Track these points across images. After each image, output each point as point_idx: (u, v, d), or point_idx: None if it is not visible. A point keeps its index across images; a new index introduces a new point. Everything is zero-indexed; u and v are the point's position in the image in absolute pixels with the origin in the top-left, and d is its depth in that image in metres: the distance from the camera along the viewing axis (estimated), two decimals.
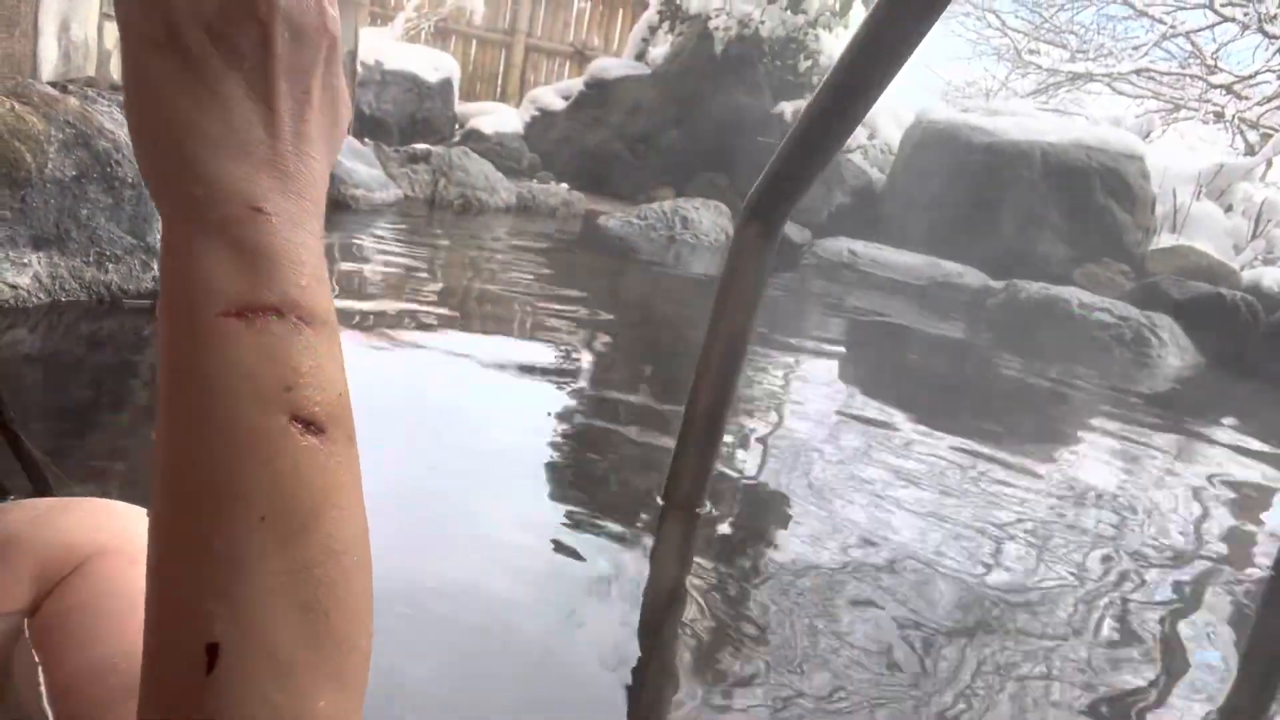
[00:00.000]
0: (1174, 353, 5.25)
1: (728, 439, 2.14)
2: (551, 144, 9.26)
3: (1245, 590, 2.04)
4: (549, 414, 2.42)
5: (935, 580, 1.75)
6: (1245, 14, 11.54)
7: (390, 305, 3.26)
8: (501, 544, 1.66)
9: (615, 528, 1.77)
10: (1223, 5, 11.78)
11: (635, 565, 1.66)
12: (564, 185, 7.95)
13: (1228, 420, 4.09)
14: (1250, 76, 11.47)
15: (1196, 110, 12.37)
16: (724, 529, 1.84)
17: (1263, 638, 1.88)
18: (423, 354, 2.69)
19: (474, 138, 8.87)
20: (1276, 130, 9.53)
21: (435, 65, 9.14)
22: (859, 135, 8.44)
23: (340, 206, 5.12)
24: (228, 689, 0.35)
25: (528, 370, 2.74)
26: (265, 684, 0.35)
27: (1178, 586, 1.99)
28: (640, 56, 9.63)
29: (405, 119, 8.79)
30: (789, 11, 8.72)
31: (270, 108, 0.39)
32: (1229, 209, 7.56)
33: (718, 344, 1.79)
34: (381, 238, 4.64)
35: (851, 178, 8.01)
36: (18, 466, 0.98)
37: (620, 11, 10.97)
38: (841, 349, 4.30)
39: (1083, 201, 6.86)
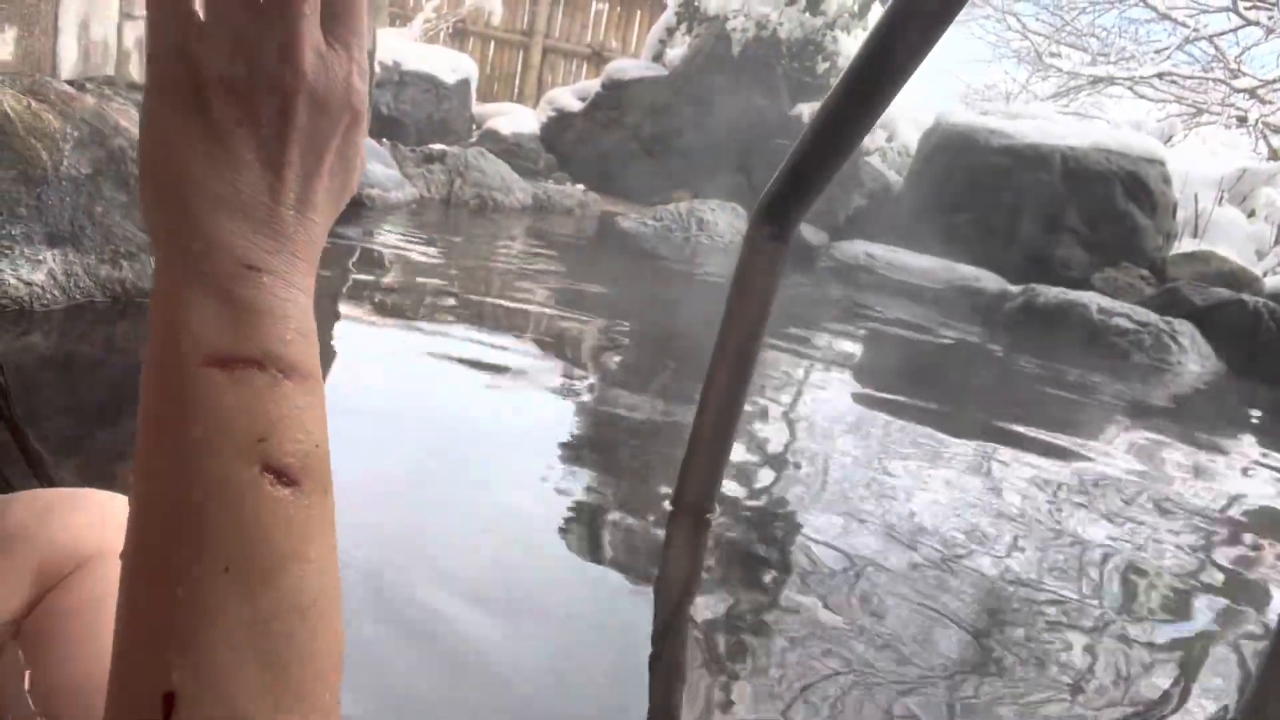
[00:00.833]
0: (1194, 359, 5.19)
1: (739, 442, 2.13)
2: (568, 145, 9.26)
3: (1264, 604, 2.01)
4: (558, 416, 2.42)
5: (952, 582, 1.73)
6: (1269, 17, 11.43)
7: (396, 301, 3.26)
8: (509, 546, 1.65)
9: (623, 532, 1.75)
10: (1247, 9, 11.66)
11: (644, 570, 1.65)
12: (580, 186, 7.95)
13: (1248, 428, 4.04)
14: (1274, 80, 11.35)
15: (1219, 114, 12.26)
16: (734, 534, 1.83)
17: None
18: (428, 352, 2.69)
19: (491, 138, 8.89)
20: None
21: (453, 66, 9.16)
22: (877, 138, 8.41)
23: (355, 205, 5.13)
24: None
25: (535, 370, 2.74)
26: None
27: (1192, 594, 1.96)
28: (657, 58, 9.62)
29: (423, 119, 8.82)
30: (807, 13, 8.69)
31: (278, 176, 0.39)
32: (1251, 214, 7.47)
33: (729, 348, 1.77)
34: (396, 236, 4.65)
35: (869, 180, 7.98)
36: (19, 458, 0.98)
37: (638, 13, 10.96)
38: (856, 353, 4.27)
39: (1103, 206, 6.80)
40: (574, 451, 2.17)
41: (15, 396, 0.98)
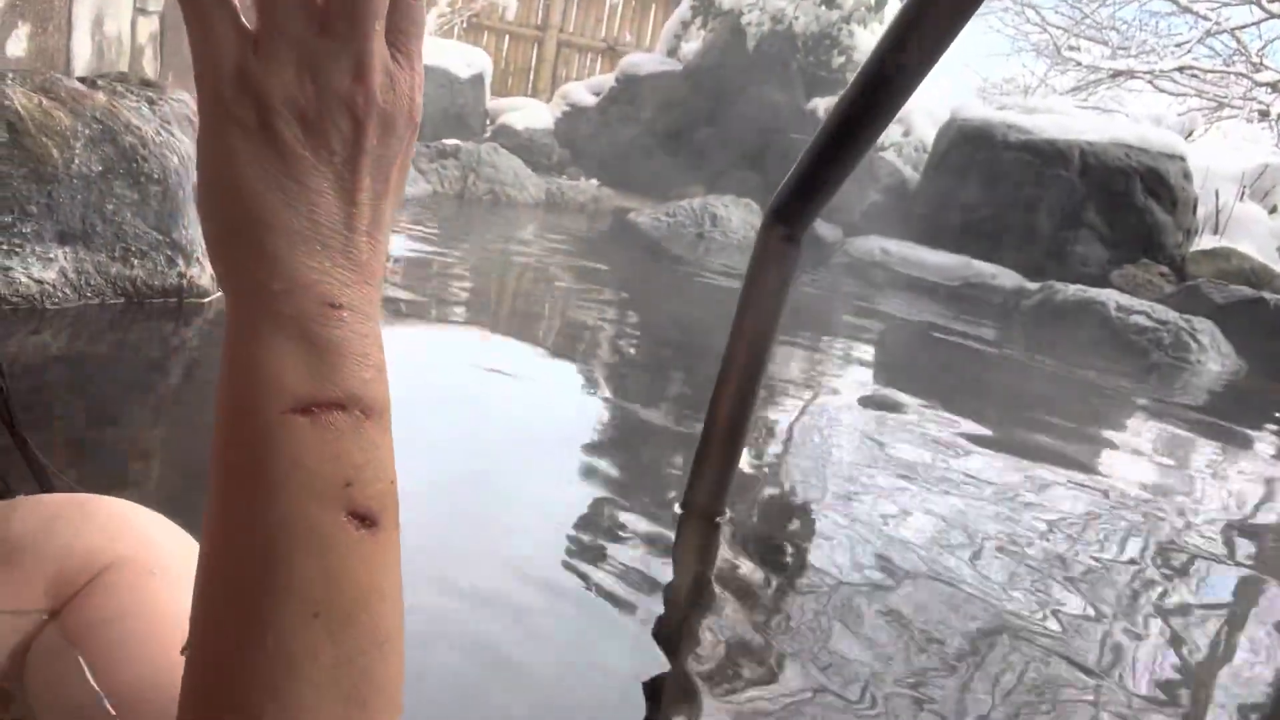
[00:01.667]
0: (1214, 358, 5.12)
1: (750, 444, 2.10)
2: (582, 140, 9.24)
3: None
4: (568, 416, 2.40)
5: (961, 590, 1.71)
6: None
7: (406, 297, 3.25)
8: (519, 549, 1.63)
9: (633, 534, 1.74)
10: (1269, 1, 11.51)
11: (654, 574, 1.63)
12: (593, 181, 7.93)
13: (1271, 427, 3.98)
14: None
15: (1241, 109, 12.11)
16: (745, 536, 1.81)
17: None
18: (436, 348, 2.68)
19: (505, 133, 8.87)
20: None
21: (468, 61, 9.15)
22: (893, 132, 8.34)
23: None
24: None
25: (545, 370, 2.72)
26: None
27: (1214, 592, 1.92)
28: (672, 52, 9.58)
29: (437, 114, 8.81)
30: (823, 7, 8.63)
31: (353, 202, 0.38)
32: (1273, 210, 7.37)
33: (740, 349, 1.75)
34: (409, 230, 4.65)
35: (885, 176, 7.92)
36: (19, 462, 0.97)
37: (653, 7, 10.93)
38: (869, 351, 4.23)
39: (1122, 202, 6.72)
40: (576, 450, 2.16)
41: (26, 396, 0.97)
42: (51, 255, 2.28)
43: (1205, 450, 3.29)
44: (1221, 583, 2.07)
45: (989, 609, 1.67)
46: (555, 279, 4.45)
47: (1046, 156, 6.89)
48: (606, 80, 9.67)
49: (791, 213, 1.67)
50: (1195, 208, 7.08)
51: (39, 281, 2.25)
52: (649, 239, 6.47)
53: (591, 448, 2.21)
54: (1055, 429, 3.24)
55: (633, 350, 3.37)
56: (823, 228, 7.17)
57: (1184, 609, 1.87)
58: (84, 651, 0.63)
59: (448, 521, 1.67)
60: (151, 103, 2.66)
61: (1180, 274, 6.64)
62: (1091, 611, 1.75)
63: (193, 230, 2.55)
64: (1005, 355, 4.78)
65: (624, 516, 1.81)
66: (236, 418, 0.37)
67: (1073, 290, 5.61)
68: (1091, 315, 5.37)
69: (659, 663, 1.37)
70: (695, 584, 1.65)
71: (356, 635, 0.37)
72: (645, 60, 9.57)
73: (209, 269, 2.63)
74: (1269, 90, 11.44)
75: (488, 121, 9.40)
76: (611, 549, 1.67)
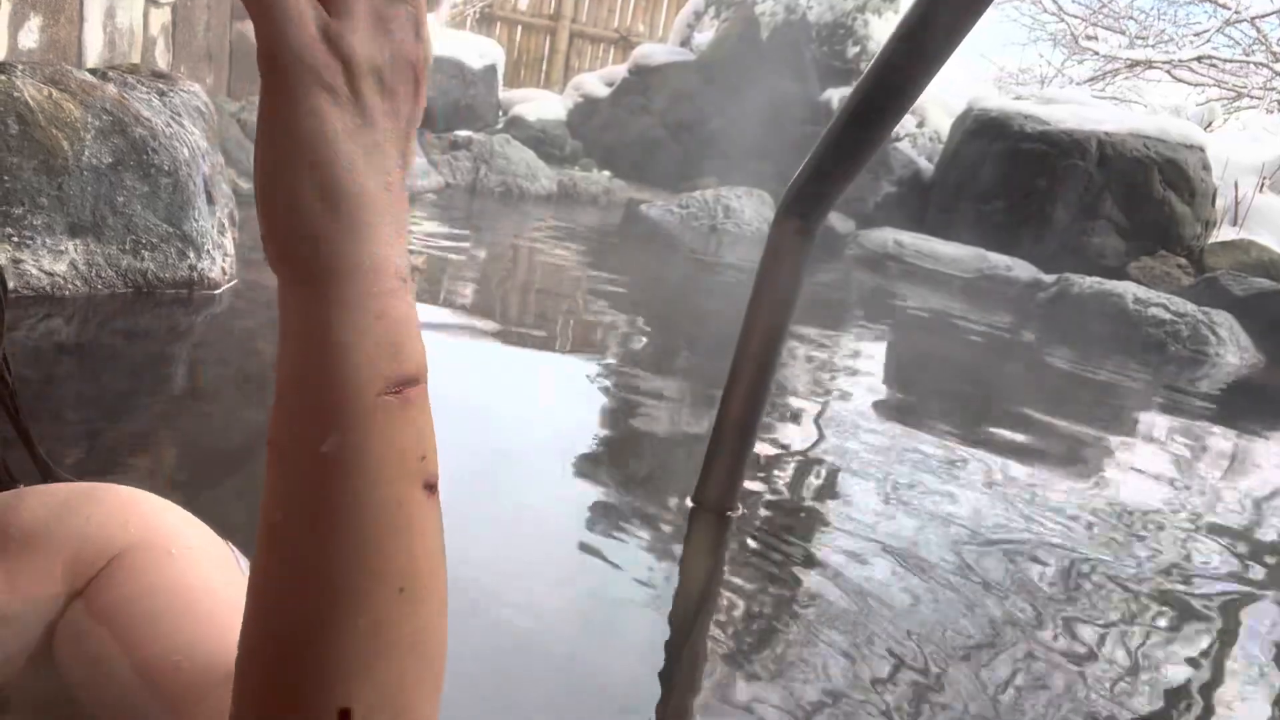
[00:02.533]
0: (1233, 351, 5.07)
1: (761, 439, 2.09)
2: (594, 131, 9.20)
3: None
4: (579, 411, 2.38)
5: (972, 588, 1.68)
6: None
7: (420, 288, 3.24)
8: (529, 543, 1.62)
9: (645, 530, 1.72)
10: None
11: (665, 568, 1.61)
12: (606, 173, 7.90)
13: None
14: None
15: (1261, 98, 11.97)
16: (757, 531, 1.79)
17: None
18: (446, 346, 2.67)
19: (517, 124, 8.85)
20: None
21: (480, 52, 9.13)
22: (908, 123, 8.27)
23: None
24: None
25: (555, 364, 2.71)
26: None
27: (1227, 591, 1.90)
28: (685, 43, 9.53)
29: (449, 105, 8.79)
30: None
31: (406, 166, 0.36)
32: None
33: (752, 343, 1.73)
34: (421, 223, 4.64)
35: (899, 167, 7.86)
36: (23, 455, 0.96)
37: None
38: (882, 345, 4.20)
39: (1140, 193, 6.65)
40: (586, 445, 2.14)
41: (37, 387, 0.97)
42: (62, 247, 2.28)
43: (1223, 444, 3.25)
44: (1235, 579, 2.04)
45: (1000, 606, 1.65)
46: (566, 270, 4.43)
47: (1063, 147, 6.82)
48: (619, 71, 9.63)
49: (805, 205, 1.64)
50: (1214, 199, 7.01)
51: (50, 273, 2.25)
52: (661, 230, 6.44)
53: (601, 441, 2.19)
54: (1072, 423, 3.20)
55: (644, 341, 3.35)
56: (836, 219, 7.12)
57: (1195, 608, 1.84)
58: (112, 628, 0.64)
59: (459, 508, 1.66)
60: (162, 94, 2.66)
61: (1199, 266, 6.57)
62: (1113, 617, 1.73)
63: (203, 222, 2.54)
64: (1021, 348, 4.74)
65: (635, 510, 1.80)
66: (328, 408, 0.35)
67: (1090, 283, 5.55)
68: (1109, 308, 5.31)
69: (672, 654, 1.35)
70: (706, 579, 1.63)
71: (432, 603, 0.38)
72: (658, 51, 9.53)
73: (219, 261, 2.62)
74: None
75: (500, 113, 9.37)
76: (622, 542, 1.66)
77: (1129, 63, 13.15)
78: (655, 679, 1.30)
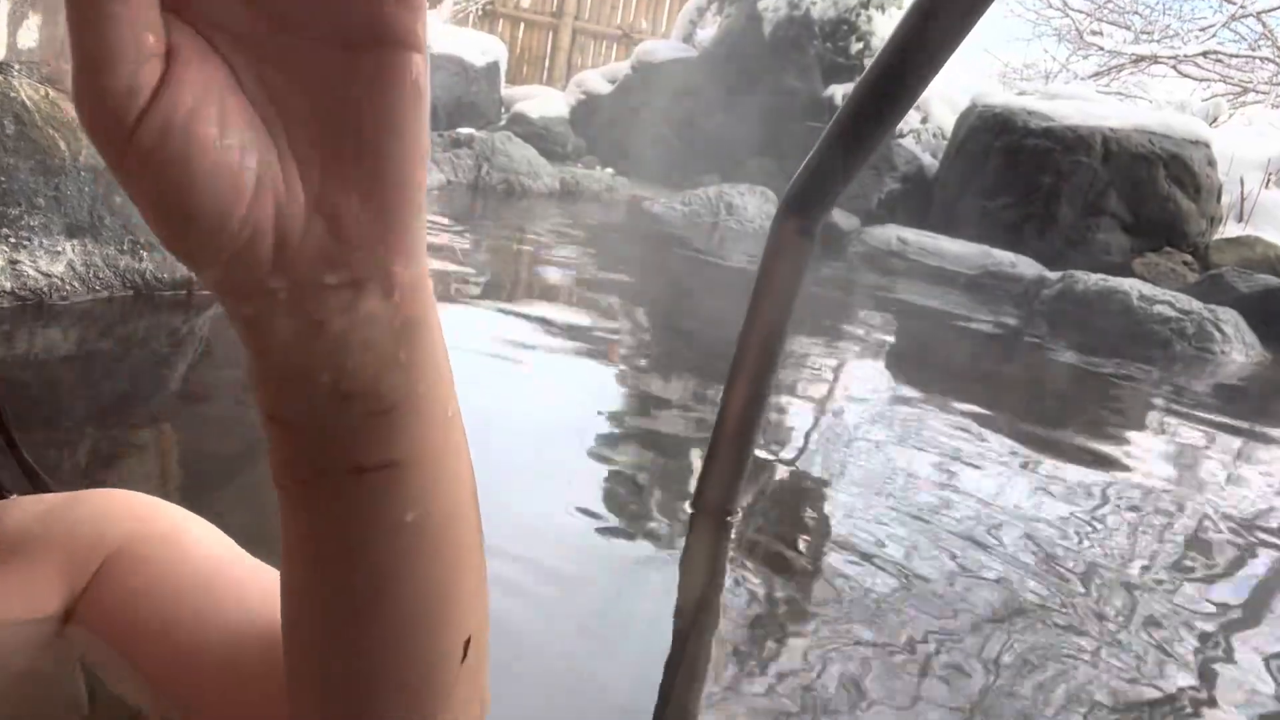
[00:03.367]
0: (1238, 348, 5.04)
1: (761, 440, 2.07)
2: (597, 128, 9.19)
3: None
4: (575, 409, 2.37)
5: (978, 588, 1.67)
6: None
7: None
8: (524, 546, 1.61)
9: (643, 533, 1.71)
10: None
11: (664, 573, 1.60)
12: (608, 170, 7.89)
13: None
14: None
15: (1266, 93, 11.91)
16: (757, 535, 1.77)
17: None
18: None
19: (519, 121, 8.84)
20: None
21: (482, 49, 9.12)
22: (911, 119, 8.24)
23: None
24: (475, 670, 0.43)
25: (551, 362, 2.69)
26: (485, 656, 0.44)
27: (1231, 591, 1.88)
28: (688, 39, 9.51)
29: (452, 102, 8.79)
30: None
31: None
32: None
33: (752, 344, 1.71)
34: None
35: (903, 163, 7.84)
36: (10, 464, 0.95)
37: None
38: (886, 342, 4.18)
39: (1145, 189, 6.62)
40: (585, 445, 2.13)
41: (35, 391, 0.96)
42: (59, 248, 2.27)
43: (1228, 442, 3.23)
44: (1239, 577, 2.02)
45: (1005, 602, 1.64)
46: (567, 266, 4.42)
47: (1068, 143, 6.79)
48: (621, 68, 9.61)
49: (806, 205, 1.63)
50: (1219, 195, 6.97)
51: (47, 275, 2.24)
52: (664, 227, 6.42)
53: (601, 440, 2.18)
54: (1075, 422, 3.18)
55: (645, 339, 3.33)
56: (839, 216, 7.10)
57: (1199, 605, 1.82)
58: (111, 638, 0.64)
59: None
60: None
61: (1204, 262, 6.54)
62: (1107, 610, 1.71)
63: None
64: (1025, 346, 4.72)
65: (633, 512, 1.78)
66: (425, 423, 0.36)
67: (1094, 280, 5.53)
68: (1114, 305, 5.29)
69: (665, 664, 1.34)
70: (706, 583, 1.62)
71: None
72: (661, 47, 9.50)
73: None
74: None
75: (503, 110, 9.36)
76: (620, 546, 1.65)
77: (1134, 58, 13.10)
78: (654, 683, 1.29)
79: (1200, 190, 6.73)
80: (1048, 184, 6.77)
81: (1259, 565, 2.11)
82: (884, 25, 8.46)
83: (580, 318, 3.34)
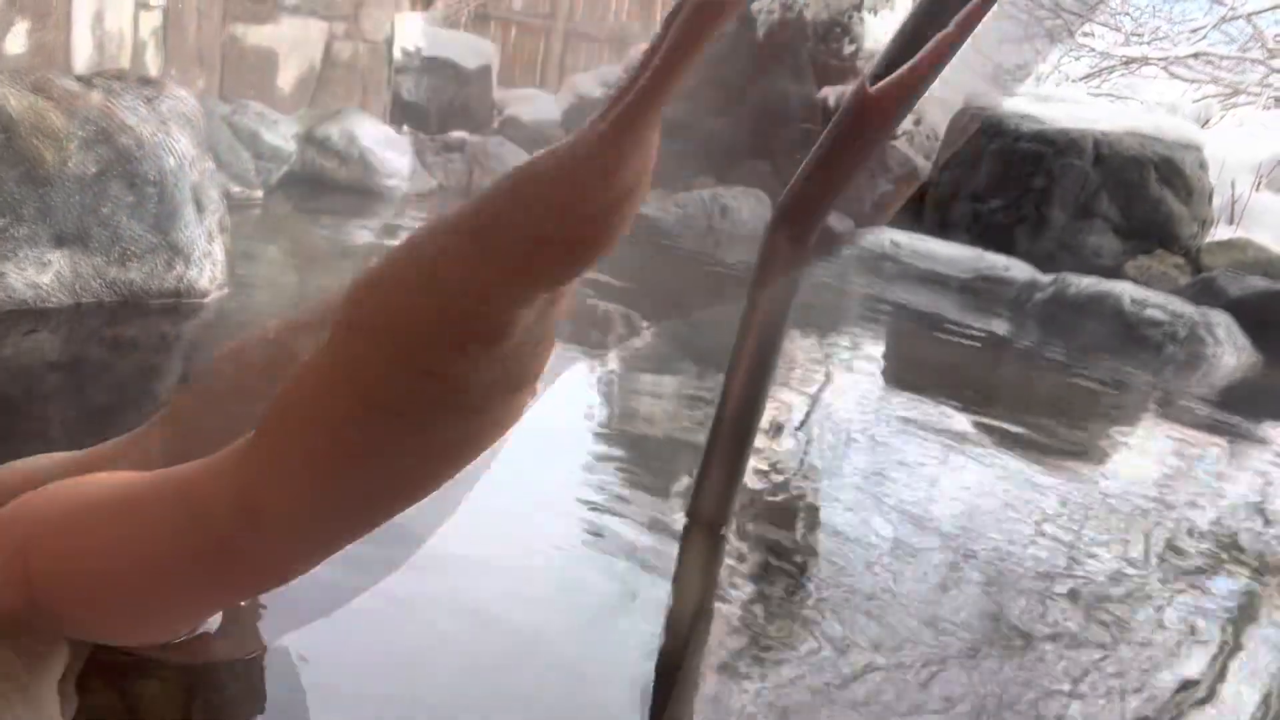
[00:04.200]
0: (1230, 351, 5.05)
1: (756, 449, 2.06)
2: None
3: None
4: (568, 415, 2.36)
5: (978, 602, 1.66)
6: None
7: None
8: (514, 559, 1.59)
9: (636, 544, 1.70)
10: None
11: (656, 588, 1.59)
12: None
13: None
14: None
15: (1258, 95, 11.95)
16: (752, 547, 1.76)
17: None
18: None
19: (512, 125, 8.82)
20: None
21: (474, 51, 9.09)
22: (904, 121, 8.24)
23: (373, 197, 5.10)
24: None
25: (547, 369, 2.68)
26: None
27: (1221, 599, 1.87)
28: None
29: (443, 105, 8.75)
30: None
31: None
32: None
33: (746, 353, 1.70)
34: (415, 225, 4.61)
35: (896, 165, 7.84)
36: None
37: None
38: (880, 346, 4.18)
39: (1136, 192, 6.62)
40: (576, 455, 2.12)
41: (20, 403, 0.96)
42: (47, 259, 2.25)
43: (1219, 446, 3.23)
44: (1225, 586, 2.02)
45: (1007, 622, 1.63)
46: None
47: (1059, 146, 6.80)
48: (615, 71, 9.59)
49: (799, 213, 1.62)
50: (1211, 198, 6.99)
51: (34, 285, 2.22)
52: (658, 231, 6.42)
53: (591, 449, 2.17)
54: (1067, 425, 3.18)
55: (638, 344, 3.32)
56: (833, 219, 7.09)
57: (1187, 613, 1.82)
58: (62, 583, 0.65)
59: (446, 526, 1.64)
60: (149, 101, 2.62)
61: (1195, 265, 6.55)
62: (1099, 619, 1.70)
63: (191, 231, 2.51)
64: (1018, 349, 4.72)
65: (625, 523, 1.77)
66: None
67: (1086, 283, 5.54)
68: (1105, 308, 5.30)
69: (662, 674, 1.33)
70: (699, 599, 1.61)
71: None
72: None
73: (208, 269, 2.59)
74: None
75: (495, 113, 9.34)
76: (611, 560, 1.63)
77: (1125, 59, 13.14)
78: (646, 698, 1.28)
79: (1192, 193, 6.74)
80: (1040, 187, 6.77)
81: (1236, 571, 2.11)
82: (877, 28, 8.46)
83: (571, 323, 3.32)
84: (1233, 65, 12.45)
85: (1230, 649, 1.71)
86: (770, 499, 2.03)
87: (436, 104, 8.72)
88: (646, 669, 1.34)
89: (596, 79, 9.63)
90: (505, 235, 0.45)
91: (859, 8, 8.56)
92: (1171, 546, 2.16)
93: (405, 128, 6.74)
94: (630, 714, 1.26)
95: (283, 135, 4.68)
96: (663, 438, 2.35)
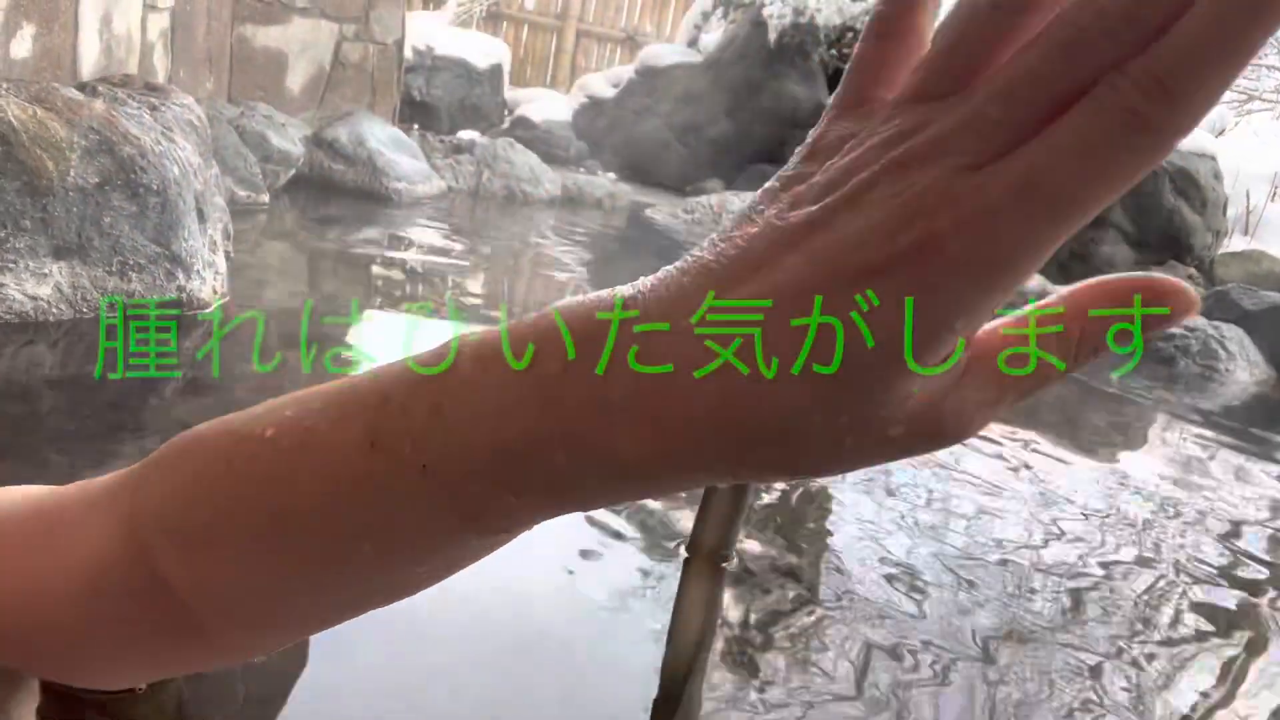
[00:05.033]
0: (1243, 366, 5.00)
1: None
2: (599, 132, 9.15)
3: None
4: None
5: (976, 618, 1.63)
6: None
7: (413, 294, 3.20)
8: (508, 591, 1.57)
9: (637, 576, 1.67)
10: None
11: (655, 622, 1.56)
12: (610, 175, 7.84)
13: None
14: None
15: (1273, 102, 11.85)
16: (755, 578, 1.73)
17: None
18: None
19: (522, 125, 8.80)
20: None
21: (486, 51, 9.08)
22: None
23: (381, 200, 5.08)
24: None
25: None
26: None
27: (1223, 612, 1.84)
28: (692, 44, 9.46)
29: (455, 105, 8.75)
30: None
31: None
32: None
33: None
34: (424, 228, 4.59)
35: None
36: None
37: None
38: None
39: (1150, 202, 6.57)
40: None
41: (15, 419, 0.93)
42: (46, 270, 2.23)
43: (1231, 462, 3.19)
44: (1229, 601, 1.98)
45: (1014, 651, 1.59)
46: (568, 279, 4.38)
47: None
48: (625, 71, 9.57)
49: None
50: (1225, 208, 6.93)
51: (33, 297, 2.20)
52: (667, 237, 6.38)
53: None
54: (1079, 442, 3.14)
55: None
56: None
57: (1191, 634, 1.78)
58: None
59: None
60: (154, 109, 2.60)
61: (1209, 276, 6.50)
62: (1103, 647, 1.67)
63: (193, 241, 2.49)
64: None
65: (626, 553, 1.74)
66: None
67: None
68: None
69: (662, 707, 1.30)
70: (699, 630, 1.58)
71: None
72: (665, 51, 9.46)
73: (210, 280, 2.57)
74: None
75: (506, 112, 9.32)
76: (608, 593, 1.61)
77: None
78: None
79: (1206, 203, 6.68)
80: None
81: (1246, 579, 2.07)
82: None
83: None
84: (1248, 71, 12.34)
85: (1237, 675, 1.68)
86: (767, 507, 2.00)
87: (448, 103, 8.72)
88: (643, 701, 1.32)
89: (607, 79, 9.60)
90: None
91: (870, 13, 8.51)
92: (1177, 564, 2.12)
93: (415, 128, 6.73)
94: None
95: (291, 138, 4.66)
96: None
